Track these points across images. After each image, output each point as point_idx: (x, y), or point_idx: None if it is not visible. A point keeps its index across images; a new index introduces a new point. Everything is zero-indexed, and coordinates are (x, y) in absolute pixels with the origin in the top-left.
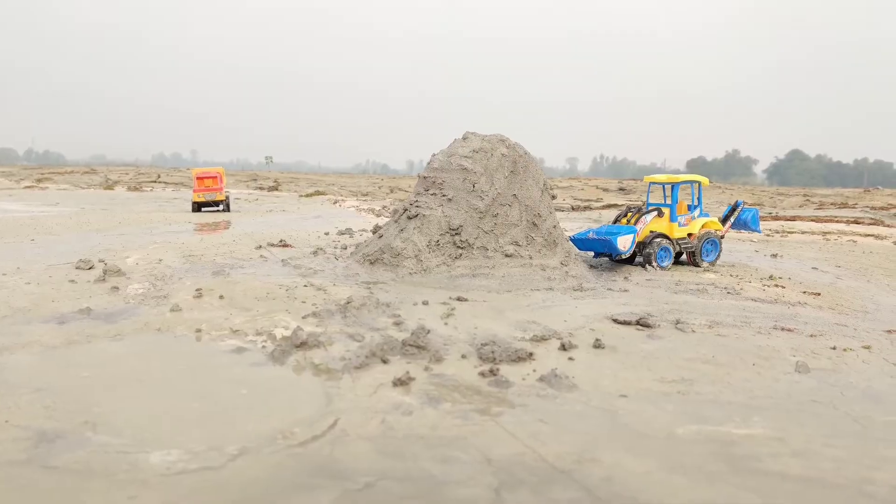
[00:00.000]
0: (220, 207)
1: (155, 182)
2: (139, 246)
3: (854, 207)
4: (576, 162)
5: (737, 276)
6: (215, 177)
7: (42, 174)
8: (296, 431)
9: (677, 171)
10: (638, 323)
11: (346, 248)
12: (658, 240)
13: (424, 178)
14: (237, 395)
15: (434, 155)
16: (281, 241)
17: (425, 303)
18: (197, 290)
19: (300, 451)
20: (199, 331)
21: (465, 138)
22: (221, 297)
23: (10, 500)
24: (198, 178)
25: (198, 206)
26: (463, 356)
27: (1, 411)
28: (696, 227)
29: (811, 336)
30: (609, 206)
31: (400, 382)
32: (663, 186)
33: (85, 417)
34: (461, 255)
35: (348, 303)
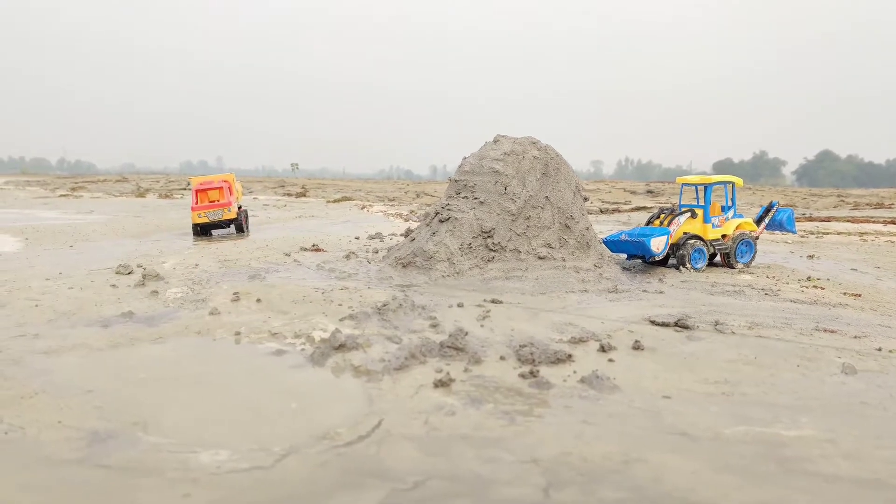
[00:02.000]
0: (231, 228)
1: (185, 189)
2: (175, 251)
3: (890, 207)
4: (601, 165)
5: (773, 277)
6: (221, 187)
7: (76, 183)
8: (341, 432)
9: (704, 174)
10: (676, 324)
11: (377, 252)
12: (692, 241)
13: (456, 181)
14: (280, 397)
15: (465, 158)
16: (313, 245)
17: (460, 305)
18: (234, 293)
19: (346, 451)
20: (238, 334)
21: (495, 141)
22: (258, 300)
23: (66, 498)
24: (197, 192)
25: (200, 229)
26: (501, 357)
27: (54, 412)
28: (730, 229)
29: (855, 337)
30: (638, 209)
31: (441, 384)
32: (696, 188)
33: (135, 418)
34: (494, 257)
35: (384, 305)
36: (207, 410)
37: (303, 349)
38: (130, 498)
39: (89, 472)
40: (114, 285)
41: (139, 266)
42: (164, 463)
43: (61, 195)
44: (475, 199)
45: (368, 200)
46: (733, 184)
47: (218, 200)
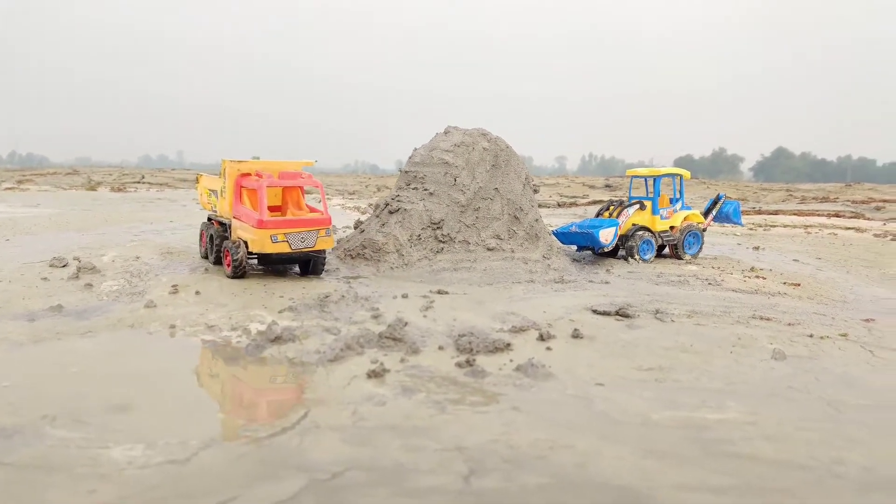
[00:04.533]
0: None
1: (139, 183)
2: (117, 244)
3: (835, 201)
4: (564, 161)
5: (718, 268)
6: (302, 187)
7: (23, 176)
8: (265, 424)
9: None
10: (617, 313)
11: None
12: (640, 233)
13: (406, 172)
14: (208, 390)
15: (416, 149)
16: None
17: (405, 296)
18: (173, 286)
19: (268, 442)
20: (173, 327)
21: (446, 132)
22: (197, 293)
23: None
24: (263, 186)
25: (245, 263)
26: (440, 347)
27: None
28: (678, 220)
29: (789, 325)
30: (595, 202)
31: (374, 374)
32: (645, 180)
33: (46, 412)
34: (443, 248)
35: (326, 297)
36: (129, 405)
37: (238, 342)
38: (31, 495)
39: None
40: (45, 278)
41: (75, 259)
42: (72, 459)
43: (6, 188)
44: (425, 190)
45: (328, 194)
46: (681, 176)
47: (299, 215)
